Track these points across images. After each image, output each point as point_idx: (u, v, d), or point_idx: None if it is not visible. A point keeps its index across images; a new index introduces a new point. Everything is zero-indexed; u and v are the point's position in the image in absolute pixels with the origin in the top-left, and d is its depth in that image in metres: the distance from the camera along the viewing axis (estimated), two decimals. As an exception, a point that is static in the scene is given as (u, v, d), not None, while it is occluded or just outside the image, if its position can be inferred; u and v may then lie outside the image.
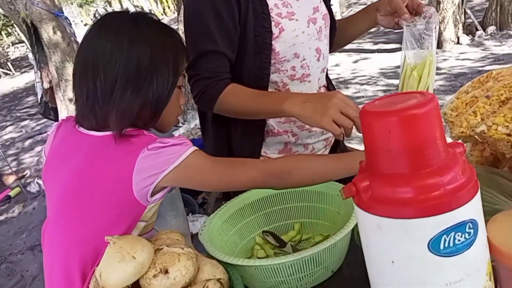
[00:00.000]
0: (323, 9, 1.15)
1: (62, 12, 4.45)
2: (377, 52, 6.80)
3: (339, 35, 1.25)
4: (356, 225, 0.86)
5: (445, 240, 0.47)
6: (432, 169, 0.47)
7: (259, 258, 1.04)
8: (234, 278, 0.79)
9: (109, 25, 0.85)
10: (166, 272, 0.71)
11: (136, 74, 0.81)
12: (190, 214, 2.25)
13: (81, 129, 0.86)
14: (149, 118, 0.86)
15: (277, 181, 0.88)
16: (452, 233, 0.47)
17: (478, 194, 0.49)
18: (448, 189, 0.46)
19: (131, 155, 0.78)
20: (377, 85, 5.51)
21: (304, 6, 1.09)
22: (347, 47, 1.25)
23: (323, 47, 1.15)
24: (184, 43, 0.93)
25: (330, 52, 1.27)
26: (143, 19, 0.88)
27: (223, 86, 1.01)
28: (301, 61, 1.10)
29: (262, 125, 1.15)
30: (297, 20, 1.07)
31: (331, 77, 1.36)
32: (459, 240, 0.47)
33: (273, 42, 1.04)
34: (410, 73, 0.98)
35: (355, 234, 0.92)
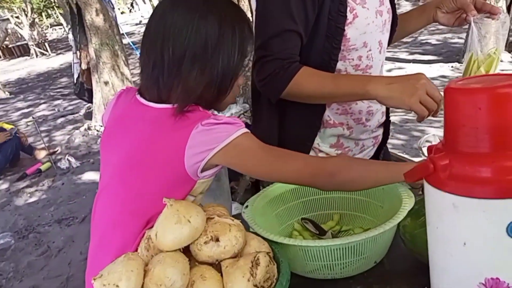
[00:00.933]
0: (387, 3, 1.14)
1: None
2: (413, 63, 6.69)
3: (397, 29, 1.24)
4: (403, 219, 0.86)
5: (525, 225, 0.46)
6: (517, 152, 0.46)
7: (299, 242, 1.03)
8: (280, 255, 0.79)
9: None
10: (217, 240, 0.72)
11: (204, 50, 0.81)
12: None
13: (142, 100, 0.87)
14: (214, 97, 0.86)
15: (325, 181, 0.85)
16: (534, 218, 0.46)
17: (563, 182, 0.47)
18: (533, 172, 0.45)
19: (186, 129, 0.79)
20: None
21: None
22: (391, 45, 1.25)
23: (385, 40, 1.15)
24: (251, 26, 0.92)
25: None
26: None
27: (296, 68, 1.00)
28: (367, 51, 1.10)
29: (320, 114, 1.14)
30: (368, 9, 1.06)
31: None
32: (540, 226, 0.46)
33: (346, 28, 1.03)
34: (477, 69, 0.97)
35: (400, 228, 0.91)
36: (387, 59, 6.91)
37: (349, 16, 1.03)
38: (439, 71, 5.97)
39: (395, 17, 1.18)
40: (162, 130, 0.81)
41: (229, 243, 0.72)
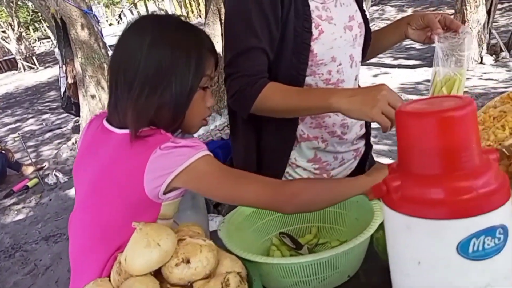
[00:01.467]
0: (358, 18, 1.16)
1: (91, 10, 4.56)
2: (398, 68, 6.77)
3: (371, 45, 1.25)
4: (376, 231, 0.87)
5: (474, 244, 0.47)
6: (465, 172, 0.48)
7: (275, 258, 1.04)
8: (253, 274, 0.79)
9: (136, 25, 0.87)
10: (188, 262, 0.72)
11: (155, 75, 0.82)
12: (208, 214, 2.27)
13: (108, 126, 0.88)
14: (171, 120, 0.86)
15: (284, 204, 0.84)
16: (482, 237, 0.47)
17: (510, 201, 0.49)
18: (480, 192, 0.47)
19: (144, 154, 0.79)
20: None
21: (341, 13, 1.11)
22: (368, 60, 1.25)
23: (356, 54, 1.16)
24: (213, 45, 0.93)
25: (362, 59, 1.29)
26: (169, 20, 0.89)
27: (263, 84, 1.01)
28: (337, 66, 1.11)
29: (293, 128, 1.15)
30: (335, 24, 1.08)
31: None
32: (488, 245, 0.47)
33: (312, 44, 1.05)
34: (440, 89, 0.98)
35: (374, 241, 0.92)
36: (373, 64, 7.00)
37: (315, 32, 1.05)
38: (423, 75, 6.04)
39: (368, 31, 1.20)
40: (123, 155, 0.82)
41: (200, 264, 0.73)
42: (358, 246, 0.85)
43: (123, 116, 0.83)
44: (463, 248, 0.47)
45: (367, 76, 6.59)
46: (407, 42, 8.04)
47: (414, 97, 5.32)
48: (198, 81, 0.86)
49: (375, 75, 6.66)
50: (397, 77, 6.31)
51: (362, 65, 1.31)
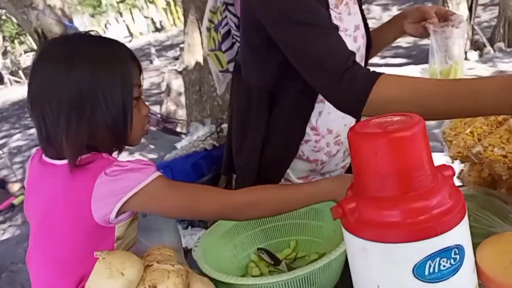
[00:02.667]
0: (362, 28, 1.13)
1: (72, 23, 4.52)
2: (385, 66, 6.81)
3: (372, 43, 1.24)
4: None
5: (430, 266, 0.46)
6: (418, 193, 0.47)
7: (253, 276, 1.02)
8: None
9: (47, 52, 0.82)
10: (155, 288, 0.70)
11: (79, 98, 0.78)
12: (190, 227, 2.25)
13: (46, 159, 0.84)
14: (113, 140, 0.84)
15: (237, 215, 0.89)
16: (437, 259, 0.46)
17: (465, 219, 0.48)
18: (434, 213, 0.46)
19: (88, 182, 0.76)
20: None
21: (351, 22, 1.08)
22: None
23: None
24: (132, 53, 0.88)
25: None
26: (80, 38, 0.85)
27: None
28: None
29: (296, 146, 1.12)
30: (349, 35, 1.05)
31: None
32: (444, 266, 0.46)
33: None
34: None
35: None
36: (370, 65, 7.03)
37: None
38: (410, 73, 6.08)
39: (369, 42, 1.17)
40: (66, 187, 0.79)
41: (168, 290, 0.71)
42: (335, 260, 0.84)
43: (58, 147, 0.79)
44: (419, 271, 0.46)
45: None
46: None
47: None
48: (130, 93, 0.82)
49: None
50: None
51: None
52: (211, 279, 0.83)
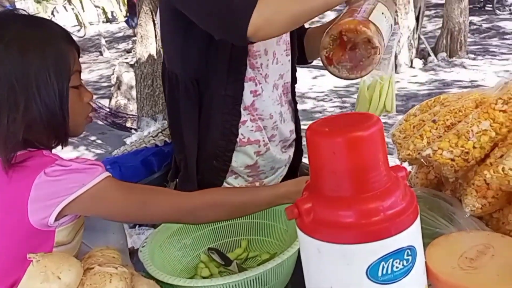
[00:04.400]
0: None
1: (14, 6, 4.22)
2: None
3: (316, 40, 1.24)
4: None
5: (383, 267, 0.46)
6: (373, 194, 0.46)
7: (203, 277, 1.00)
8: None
9: None
10: (96, 293, 0.65)
11: (10, 91, 0.70)
12: (137, 226, 2.16)
13: None
14: (50, 135, 0.77)
15: (192, 218, 0.85)
16: (391, 260, 0.46)
17: (417, 220, 0.48)
18: (388, 214, 0.45)
19: (25, 181, 0.69)
20: (334, 102, 5.67)
21: None
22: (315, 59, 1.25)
23: (279, 51, 1.15)
24: (69, 34, 0.80)
25: (308, 60, 1.28)
26: (7, 20, 0.74)
27: None
28: (267, 60, 1.10)
29: (235, 132, 1.11)
30: None
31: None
32: (397, 267, 0.46)
33: None
34: (364, 93, 0.99)
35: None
36: (313, 67, 7.18)
37: None
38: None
39: (293, 32, 1.18)
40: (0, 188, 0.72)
41: (110, 295, 0.66)
42: (287, 261, 0.83)
43: None
44: (372, 273, 0.46)
45: (307, 78, 6.76)
46: (344, 46, 8.35)
47: (350, 100, 5.53)
48: (66, 82, 0.75)
49: (315, 77, 6.84)
50: (336, 79, 6.50)
51: (303, 67, 1.31)
52: (158, 282, 0.79)
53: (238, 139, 1.12)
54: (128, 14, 14.18)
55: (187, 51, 1.05)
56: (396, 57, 6.05)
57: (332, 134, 0.46)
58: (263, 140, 1.15)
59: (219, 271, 1.01)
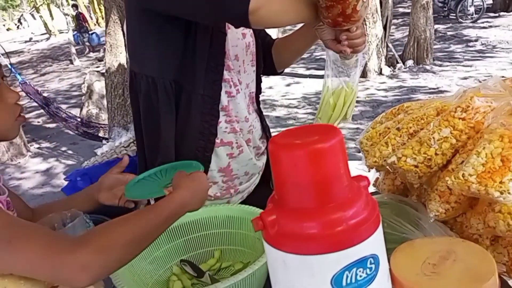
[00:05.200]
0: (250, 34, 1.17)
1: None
2: (309, 77, 7.10)
3: (284, 49, 1.25)
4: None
5: (347, 277, 0.46)
6: (335, 204, 0.47)
7: (175, 290, 0.98)
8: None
9: None
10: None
11: None
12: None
13: None
14: None
15: (74, 278, 0.62)
16: (354, 269, 0.46)
17: (380, 229, 0.49)
18: (350, 224, 0.46)
19: None
20: (306, 108, 5.74)
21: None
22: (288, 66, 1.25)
23: (247, 62, 1.17)
24: None
25: (278, 70, 1.30)
26: None
27: None
28: (238, 66, 1.13)
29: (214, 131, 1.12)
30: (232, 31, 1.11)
31: (262, 98, 1.36)
32: (360, 276, 0.47)
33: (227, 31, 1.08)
34: (328, 99, 1.01)
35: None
36: (287, 74, 7.26)
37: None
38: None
39: (258, 44, 1.20)
40: None
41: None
42: (259, 270, 0.83)
43: None
44: (336, 282, 0.46)
45: (281, 86, 6.82)
46: (317, 53, 8.49)
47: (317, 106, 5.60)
48: None
49: (288, 85, 6.91)
50: (308, 87, 6.62)
51: (276, 75, 1.33)
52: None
53: (216, 139, 1.13)
54: (77, 29, 13.86)
55: (164, 52, 1.05)
56: (365, 64, 6.19)
57: (294, 147, 0.47)
58: (236, 142, 1.16)
59: (192, 283, 1.00)
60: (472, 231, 0.80)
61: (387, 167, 0.90)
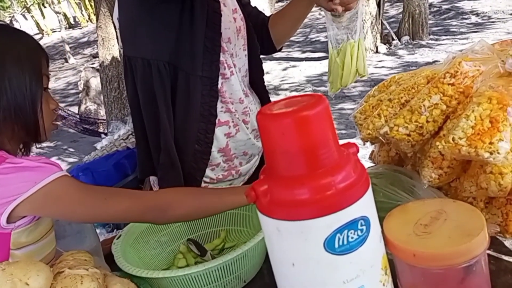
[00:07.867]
0: (240, 12, 1.18)
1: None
2: (305, 61, 7.07)
3: (282, 22, 1.25)
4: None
5: (339, 239, 0.48)
6: (325, 170, 0.48)
7: (180, 267, 1.01)
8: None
9: None
10: (68, 295, 0.65)
11: None
12: (116, 229, 2.14)
13: None
14: (20, 134, 0.79)
15: (154, 216, 0.83)
16: (345, 231, 0.48)
17: (369, 191, 0.50)
18: (339, 188, 0.47)
19: None
20: (305, 91, 5.73)
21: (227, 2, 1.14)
22: (277, 55, 1.25)
23: (238, 46, 1.17)
24: (38, 43, 0.88)
25: (277, 47, 1.30)
26: None
27: None
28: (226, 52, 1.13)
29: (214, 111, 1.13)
30: (228, 8, 1.13)
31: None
32: (352, 238, 0.48)
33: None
34: (335, 59, 1.00)
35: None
36: (282, 59, 7.23)
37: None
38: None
39: (250, 28, 1.20)
40: None
41: (82, 296, 0.66)
42: (252, 250, 0.84)
43: None
44: (329, 245, 0.48)
45: (277, 70, 6.80)
46: (312, 36, 8.44)
47: (321, 89, 5.60)
48: (39, 82, 0.79)
49: (285, 69, 6.89)
50: (305, 70, 6.60)
51: (272, 59, 1.36)
52: (134, 279, 0.80)
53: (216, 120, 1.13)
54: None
55: (159, 34, 1.06)
56: (361, 43, 6.14)
57: (280, 116, 0.48)
58: (232, 121, 1.17)
59: (195, 261, 1.03)
60: (465, 195, 0.81)
61: (381, 138, 0.91)
